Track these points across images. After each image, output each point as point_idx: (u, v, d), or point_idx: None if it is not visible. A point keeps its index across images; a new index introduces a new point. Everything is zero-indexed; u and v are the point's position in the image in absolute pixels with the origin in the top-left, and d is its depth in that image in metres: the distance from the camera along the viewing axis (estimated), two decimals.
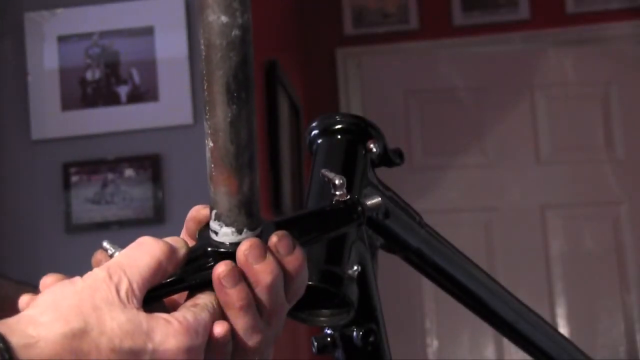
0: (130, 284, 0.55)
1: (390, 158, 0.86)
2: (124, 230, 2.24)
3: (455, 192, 3.74)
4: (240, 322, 0.59)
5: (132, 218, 2.23)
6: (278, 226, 0.62)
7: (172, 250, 0.58)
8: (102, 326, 0.52)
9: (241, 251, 0.59)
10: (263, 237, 0.60)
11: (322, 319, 0.72)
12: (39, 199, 2.29)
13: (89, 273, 0.56)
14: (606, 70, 3.76)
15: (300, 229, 0.64)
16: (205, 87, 0.57)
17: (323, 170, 0.70)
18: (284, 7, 3.32)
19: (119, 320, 0.53)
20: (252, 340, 0.60)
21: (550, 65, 3.80)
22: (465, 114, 3.79)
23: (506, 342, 3.07)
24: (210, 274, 0.59)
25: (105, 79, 2.28)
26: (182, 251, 0.59)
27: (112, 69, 2.28)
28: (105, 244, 0.59)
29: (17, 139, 2.30)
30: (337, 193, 0.68)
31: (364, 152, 0.84)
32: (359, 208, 0.67)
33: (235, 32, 0.55)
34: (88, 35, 2.29)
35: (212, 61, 0.56)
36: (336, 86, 3.79)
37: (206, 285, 0.59)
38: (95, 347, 0.51)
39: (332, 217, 0.67)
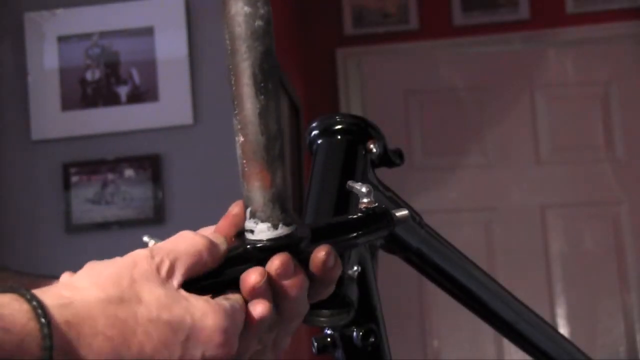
0: (171, 265, 0.55)
1: (390, 158, 0.86)
2: (124, 230, 2.24)
3: (455, 192, 3.74)
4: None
5: (132, 218, 2.23)
6: (314, 232, 0.63)
7: (213, 244, 0.58)
8: (140, 297, 0.52)
9: (273, 268, 0.59)
10: (297, 235, 0.61)
11: (322, 319, 0.72)
12: (39, 199, 2.29)
13: (132, 252, 0.56)
14: (606, 70, 3.76)
15: (335, 236, 0.65)
16: (232, 82, 0.58)
17: (349, 182, 0.71)
18: (283, 7, 3.32)
19: (157, 294, 0.53)
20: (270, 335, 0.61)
21: (550, 65, 3.80)
22: (465, 114, 3.79)
23: (506, 342, 3.07)
24: (246, 268, 0.59)
25: (105, 79, 2.28)
26: (222, 247, 0.59)
27: (112, 69, 2.28)
28: (146, 238, 0.59)
29: (17, 139, 2.30)
30: (365, 201, 0.69)
31: (364, 152, 0.84)
32: (389, 217, 0.69)
33: (258, 23, 0.56)
34: (88, 36, 2.29)
35: (238, 52, 0.57)
36: (336, 86, 3.79)
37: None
38: (133, 315, 0.51)
39: (364, 225, 0.68)
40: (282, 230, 0.60)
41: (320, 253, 0.61)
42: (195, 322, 0.53)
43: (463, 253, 0.92)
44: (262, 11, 0.57)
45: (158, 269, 0.54)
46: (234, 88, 0.58)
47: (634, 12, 3.73)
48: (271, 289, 0.59)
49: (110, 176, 2.25)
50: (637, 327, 3.65)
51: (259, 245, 0.60)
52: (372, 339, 0.77)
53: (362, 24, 3.83)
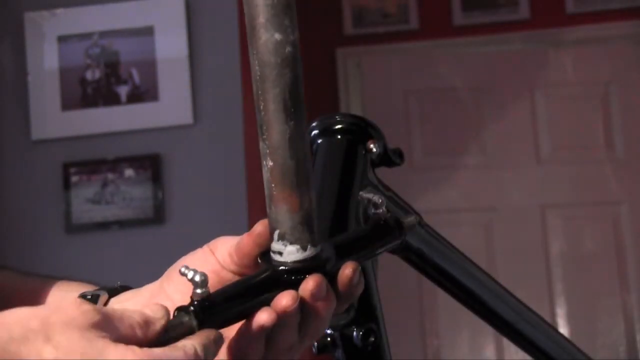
0: (102, 322, 0.52)
1: (390, 158, 0.86)
2: (124, 230, 2.24)
3: (455, 192, 3.74)
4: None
5: (132, 218, 2.23)
6: (336, 247, 0.64)
7: (147, 323, 0.54)
8: (50, 337, 0.50)
9: (307, 290, 0.60)
10: (323, 255, 0.62)
11: None
12: (39, 199, 2.29)
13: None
14: (606, 70, 3.76)
15: (357, 249, 0.66)
16: (261, 107, 0.58)
17: (361, 193, 0.73)
18: None
19: (72, 337, 0.50)
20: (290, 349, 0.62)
21: (550, 65, 3.80)
22: (465, 114, 3.79)
23: (506, 342, 3.07)
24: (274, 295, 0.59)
25: (105, 79, 2.28)
26: (160, 322, 0.55)
27: (112, 69, 2.28)
28: (183, 269, 0.58)
29: (17, 139, 2.30)
30: (379, 211, 0.70)
31: (364, 152, 0.83)
32: (400, 226, 0.70)
33: (288, 49, 0.58)
34: (88, 35, 2.29)
35: (267, 79, 0.57)
36: (336, 86, 3.79)
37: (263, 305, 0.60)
38: (36, 352, 0.49)
39: (380, 237, 0.69)
40: (310, 252, 0.61)
41: (347, 270, 0.62)
42: None
43: (463, 253, 0.92)
44: (292, 37, 0.57)
45: (86, 317, 0.51)
46: (262, 114, 0.58)
47: (634, 12, 3.73)
48: (300, 311, 0.60)
49: (110, 176, 2.25)
50: (637, 327, 3.65)
51: (289, 267, 0.61)
52: (372, 339, 0.77)
53: (362, 24, 3.83)
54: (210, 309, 0.57)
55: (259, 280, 0.60)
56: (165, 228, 2.22)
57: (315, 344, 0.79)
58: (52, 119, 2.27)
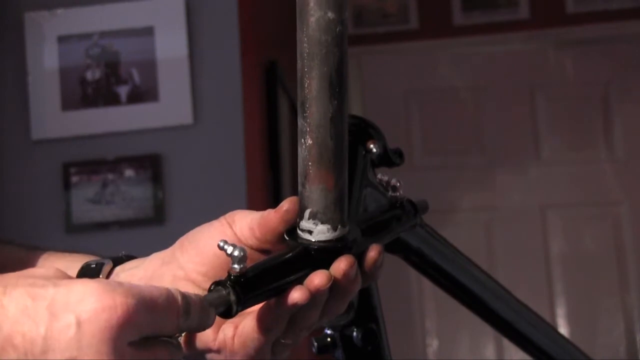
0: None
1: (390, 158, 0.85)
2: (124, 230, 2.24)
3: (455, 192, 3.74)
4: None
5: (132, 218, 2.23)
6: (362, 229, 0.65)
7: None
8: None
9: (340, 270, 0.60)
10: (351, 236, 0.62)
11: None
12: (39, 199, 2.29)
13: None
14: (606, 70, 3.76)
15: (379, 230, 0.68)
16: (305, 85, 0.58)
17: (379, 175, 0.73)
18: (283, 7, 3.32)
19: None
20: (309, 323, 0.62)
21: (550, 65, 3.80)
22: (465, 114, 3.79)
23: (506, 342, 3.07)
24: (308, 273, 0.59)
25: (105, 79, 2.28)
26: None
27: (112, 69, 2.28)
28: (222, 244, 0.57)
29: (17, 139, 2.30)
30: (397, 194, 0.71)
31: (364, 152, 0.83)
32: (415, 207, 0.73)
33: (339, 28, 0.57)
34: (88, 35, 2.29)
35: (316, 57, 0.57)
36: None
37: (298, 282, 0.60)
38: None
39: (399, 217, 0.71)
40: (339, 232, 0.61)
41: (372, 253, 0.63)
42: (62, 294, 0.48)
43: (463, 253, 0.92)
44: (343, 17, 0.57)
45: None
46: (306, 91, 0.58)
47: (634, 12, 3.73)
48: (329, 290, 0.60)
49: (110, 176, 2.25)
50: (637, 327, 3.65)
51: (320, 247, 0.61)
52: (372, 339, 0.77)
53: (362, 24, 3.83)
54: (248, 285, 0.57)
55: (293, 258, 0.60)
56: (165, 228, 2.22)
57: (315, 344, 0.79)
58: (52, 119, 2.27)
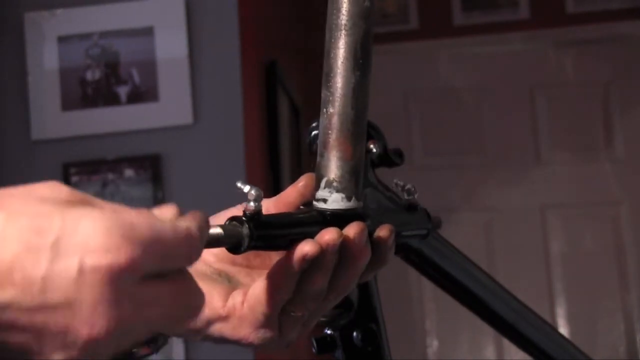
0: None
1: (390, 158, 0.85)
2: None
3: (455, 192, 3.74)
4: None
5: None
6: (374, 210, 0.65)
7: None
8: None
9: (351, 233, 0.60)
10: (365, 211, 0.63)
11: (322, 318, 0.72)
12: None
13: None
14: (606, 70, 3.76)
15: (392, 219, 0.67)
16: (331, 55, 0.60)
17: (396, 180, 0.74)
18: (283, 6, 3.32)
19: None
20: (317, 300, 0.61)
21: (550, 65, 3.80)
22: (465, 114, 3.79)
23: (506, 342, 3.06)
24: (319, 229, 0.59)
25: (105, 79, 2.28)
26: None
27: (112, 69, 2.28)
28: (240, 184, 0.58)
29: (17, 139, 2.30)
30: (412, 198, 0.72)
31: (364, 152, 0.84)
32: (429, 217, 0.73)
33: (367, 3, 0.59)
34: (88, 36, 2.29)
35: (343, 28, 0.59)
36: None
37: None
38: None
39: (412, 218, 0.72)
40: (353, 203, 0.62)
41: (383, 232, 0.63)
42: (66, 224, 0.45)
43: (463, 253, 0.92)
44: None
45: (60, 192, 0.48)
46: (331, 61, 0.60)
47: (634, 12, 3.73)
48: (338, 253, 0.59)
49: (110, 176, 2.25)
50: (637, 327, 3.65)
51: (335, 211, 0.62)
52: (372, 339, 0.77)
53: None
54: (261, 223, 0.57)
55: (306, 217, 0.61)
56: None
57: (315, 344, 0.79)
58: (52, 119, 2.27)
